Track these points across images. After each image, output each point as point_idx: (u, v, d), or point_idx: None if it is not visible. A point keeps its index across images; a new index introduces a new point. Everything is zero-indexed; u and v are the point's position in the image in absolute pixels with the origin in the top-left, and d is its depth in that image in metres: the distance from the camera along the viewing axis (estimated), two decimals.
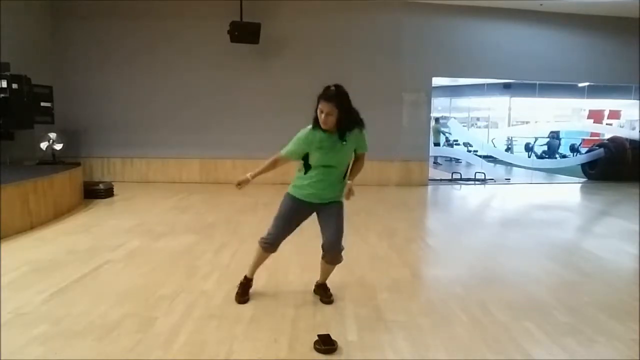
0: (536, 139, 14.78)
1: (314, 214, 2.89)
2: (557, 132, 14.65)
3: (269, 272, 3.51)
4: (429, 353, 2.34)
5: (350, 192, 2.72)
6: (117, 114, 8.47)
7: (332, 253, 2.83)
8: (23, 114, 6.62)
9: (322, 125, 2.63)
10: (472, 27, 8.96)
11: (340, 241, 2.82)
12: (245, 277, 3.04)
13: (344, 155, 2.75)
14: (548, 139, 14.46)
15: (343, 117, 2.62)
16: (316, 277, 3.13)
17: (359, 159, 2.89)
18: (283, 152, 2.81)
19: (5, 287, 3.09)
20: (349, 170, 2.86)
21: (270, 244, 2.89)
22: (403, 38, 8.70)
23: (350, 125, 2.68)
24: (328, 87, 2.62)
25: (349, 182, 2.78)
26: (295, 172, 2.89)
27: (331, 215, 2.80)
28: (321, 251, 2.88)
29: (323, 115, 2.59)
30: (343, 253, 2.87)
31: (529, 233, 5.20)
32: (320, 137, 2.67)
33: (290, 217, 2.84)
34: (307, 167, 2.78)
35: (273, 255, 3.94)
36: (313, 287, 3.12)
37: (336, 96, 2.58)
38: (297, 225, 2.89)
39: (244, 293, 2.99)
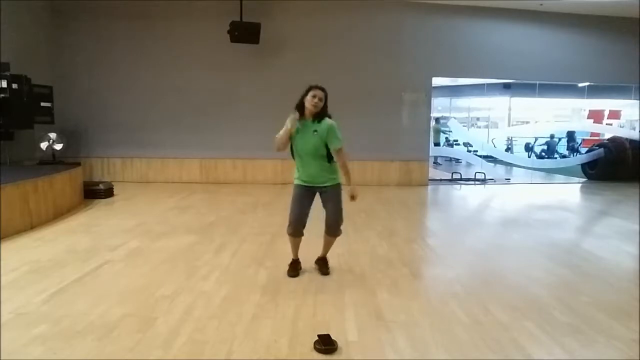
0: (536, 139, 14.80)
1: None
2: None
3: (268, 272, 3.52)
4: (429, 353, 2.34)
5: (353, 197, 3.24)
6: (117, 114, 8.47)
7: (332, 227, 3.41)
8: (23, 114, 6.62)
9: (313, 109, 3.14)
10: (472, 27, 8.96)
11: (339, 217, 3.37)
12: (292, 259, 3.53)
13: (314, 144, 3.19)
14: (550, 139, 14.51)
15: (324, 108, 3.19)
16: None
17: (337, 155, 3.25)
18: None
19: (5, 287, 3.09)
20: (335, 157, 3.25)
21: (292, 229, 3.38)
22: (403, 38, 8.70)
23: (324, 115, 3.20)
24: (315, 84, 3.21)
25: (350, 187, 3.23)
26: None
27: (330, 200, 3.34)
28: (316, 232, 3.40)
29: (316, 100, 3.13)
30: (342, 226, 3.43)
31: (529, 233, 5.20)
32: (300, 123, 3.20)
33: (298, 200, 3.34)
34: (293, 156, 3.33)
35: (273, 255, 3.97)
36: (314, 261, 3.59)
37: (324, 90, 3.19)
38: (308, 206, 3.35)
39: (293, 269, 3.48)
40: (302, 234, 3.43)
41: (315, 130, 3.17)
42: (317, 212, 3.46)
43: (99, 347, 2.32)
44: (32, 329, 2.48)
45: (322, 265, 3.54)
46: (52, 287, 3.12)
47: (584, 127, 15.50)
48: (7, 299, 2.88)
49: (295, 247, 3.52)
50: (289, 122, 3.15)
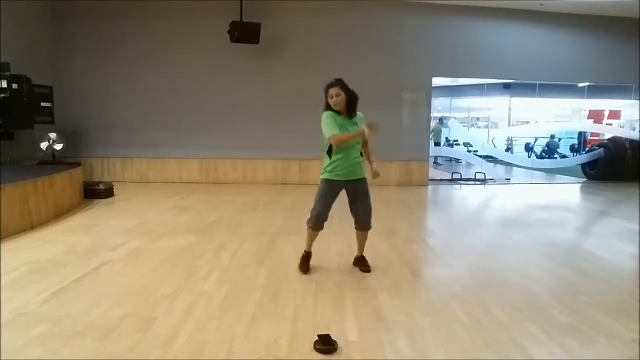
0: (536, 139, 14.80)
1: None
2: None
3: (268, 272, 3.52)
4: (429, 353, 2.34)
5: (376, 174, 3.33)
6: (117, 114, 8.47)
7: (364, 223, 3.51)
8: (23, 114, 6.61)
9: (334, 106, 3.26)
10: (472, 27, 8.96)
11: (370, 213, 3.48)
12: (305, 250, 3.60)
13: None
14: (551, 139, 14.51)
15: (349, 98, 3.28)
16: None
17: (365, 144, 3.44)
18: (334, 132, 3.22)
19: (5, 287, 3.09)
20: (363, 152, 3.44)
21: (315, 223, 3.42)
22: (403, 38, 8.70)
23: (355, 106, 3.34)
24: (330, 82, 3.29)
25: (374, 165, 3.38)
26: (322, 162, 3.45)
27: (359, 195, 3.44)
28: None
29: (335, 98, 3.24)
30: (372, 225, 3.55)
31: (529, 233, 5.20)
32: (338, 117, 3.28)
33: (327, 196, 3.38)
34: (329, 151, 3.33)
35: (273, 255, 3.97)
36: (352, 260, 3.71)
37: (338, 81, 3.28)
38: (332, 202, 3.42)
39: (306, 263, 3.55)
40: (322, 228, 3.49)
41: (356, 123, 3.32)
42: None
43: (99, 347, 2.32)
44: (32, 329, 2.48)
45: (362, 263, 3.63)
46: (52, 287, 3.12)
47: (584, 127, 15.50)
48: (7, 299, 2.88)
49: (312, 240, 3.56)
50: (365, 131, 3.27)
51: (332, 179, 3.35)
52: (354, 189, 3.41)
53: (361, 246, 3.65)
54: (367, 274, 3.54)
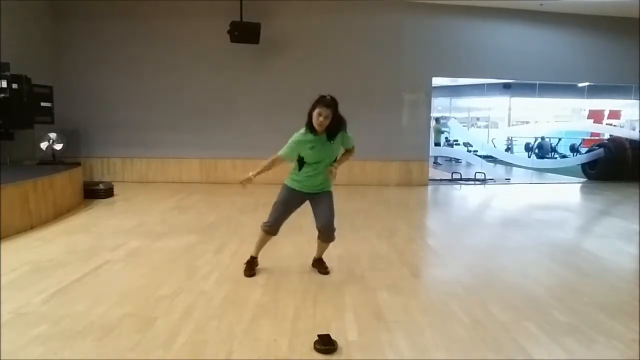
0: (536, 139, 14.81)
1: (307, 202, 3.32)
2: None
3: (268, 272, 3.52)
4: (429, 353, 2.34)
5: (332, 174, 3.15)
6: (117, 114, 8.47)
7: (326, 233, 3.30)
8: (23, 114, 6.61)
9: (318, 128, 3.01)
10: (472, 27, 8.96)
11: (333, 223, 3.28)
12: (251, 256, 3.48)
13: (332, 152, 3.18)
14: (542, 140, 14.53)
15: (333, 123, 3.04)
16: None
17: (348, 151, 3.33)
18: (280, 153, 3.18)
19: (5, 287, 3.09)
20: (348, 153, 3.32)
21: (270, 227, 3.34)
22: (403, 38, 8.69)
23: (337, 130, 3.10)
24: (324, 96, 3.00)
25: (334, 165, 3.16)
26: (291, 167, 3.29)
27: (323, 202, 3.26)
28: (316, 233, 3.34)
29: (322, 118, 2.98)
30: (336, 234, 3.35)
31: (529, 233, 5.20)
32: (311, 139, 3.08)
33: (287, 204, 3.30)
34: (301, 164, 3.18)
35: (273, 255, 3.97)
36: (311, 262, 3.58)
37: (333, 104, 2.99)
38: (293, 211, 3.34)
39: (251, 268, 3.44)
40: (276, 234, 3.41)
41: (332, 141, 3.10)
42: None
43: (99, 347, 2.32)
44: (32, 329, 2.48)
45: (320, 265, 3.53)
46: (52, 287, 3.12)
47: (584, 127, 15.49)
48: (7, 299, 2.88)
49: (262, 245, 3.47)
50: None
51: (293, 188, 3.25)
52: (316, 198, 3.27)
53: (321, 252, 3.52)
54: (367, 274, 3.53)
